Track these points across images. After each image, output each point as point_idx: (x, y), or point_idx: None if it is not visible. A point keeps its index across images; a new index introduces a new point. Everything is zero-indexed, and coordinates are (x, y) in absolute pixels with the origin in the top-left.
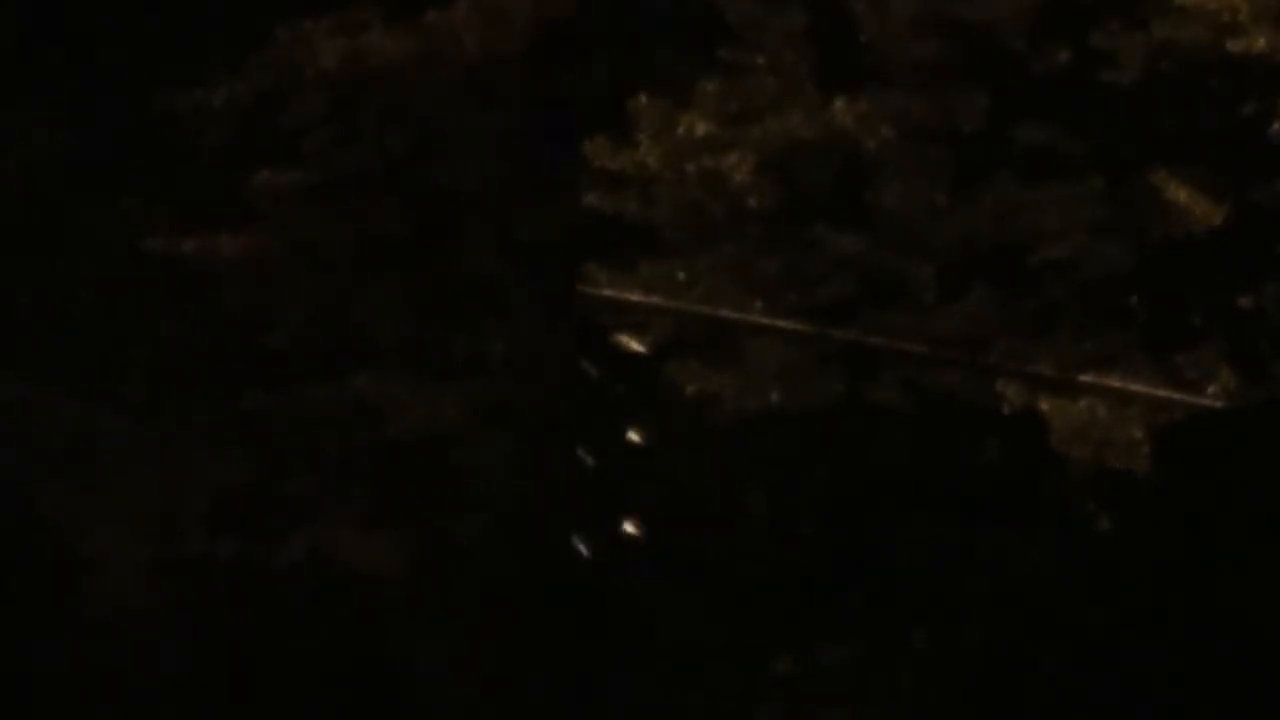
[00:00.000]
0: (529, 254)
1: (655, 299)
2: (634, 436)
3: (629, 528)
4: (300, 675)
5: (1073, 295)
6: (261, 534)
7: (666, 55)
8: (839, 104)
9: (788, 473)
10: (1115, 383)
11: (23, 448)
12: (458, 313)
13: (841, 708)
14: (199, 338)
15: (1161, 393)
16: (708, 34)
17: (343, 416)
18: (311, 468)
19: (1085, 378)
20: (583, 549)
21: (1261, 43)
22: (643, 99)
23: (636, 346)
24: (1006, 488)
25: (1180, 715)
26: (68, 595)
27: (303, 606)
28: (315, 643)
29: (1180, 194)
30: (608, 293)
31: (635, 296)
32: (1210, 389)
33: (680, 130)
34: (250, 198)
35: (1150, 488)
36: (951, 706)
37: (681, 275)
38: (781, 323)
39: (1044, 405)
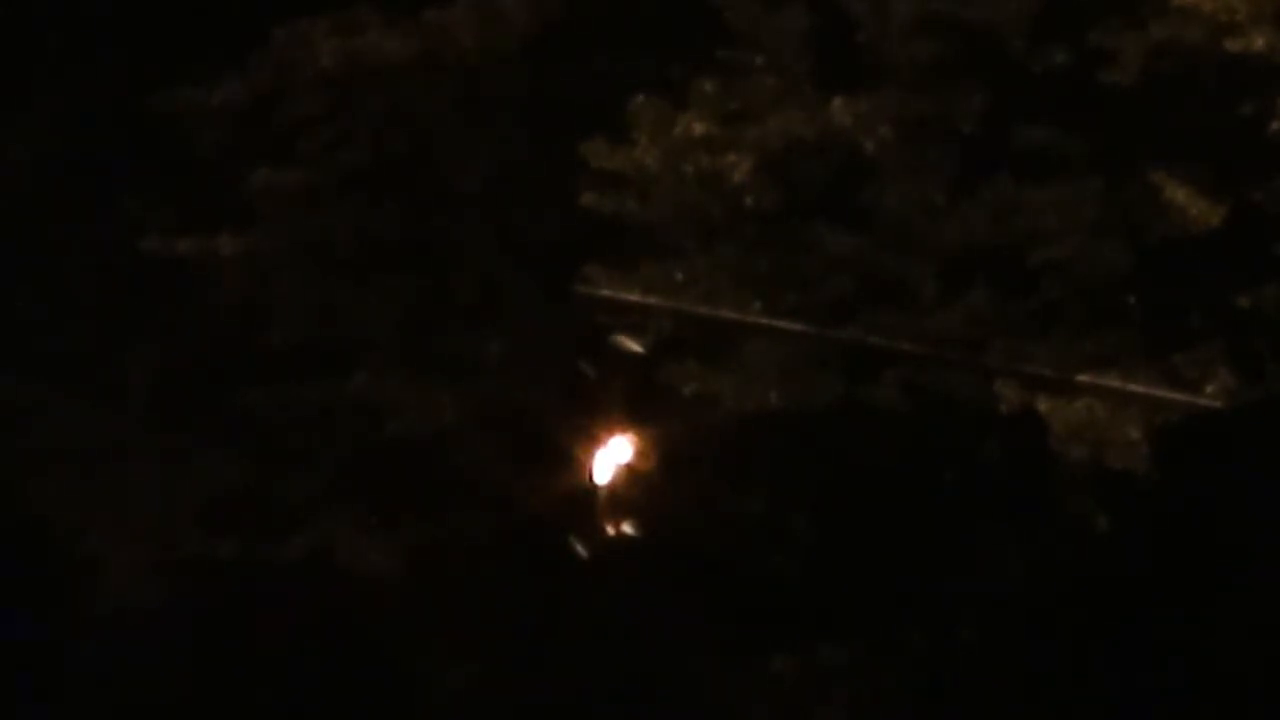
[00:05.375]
0: (528, 254)
1: (654, 299)
2: (633, 437)
3: (628, 528)
4: (301, 675)
5: (1071, 295)
6: (261, 534)
7: (664, 55)
8: (838, 104)
9: (786, 473)
10: (1114, 383)
11: (22, 448)
12: (458, 313)
13: (841, 708)
14: (198, 338)
15: (1160, 393)
16: (706, 34)
17: (342, 416)
18: (311, 468)
19: (1083, 378)
20: (581, 549)
21: (1260, 43)
22: (640, 99)
23: (635, 347)
24: (1005, 488)
25: (1180, 716)
26: (67, 595)
27: (303, 606)
28: (315, 643)
29: (1179, 194)
30: (606, 293)
31: (634, 296)
32: (1209, 389)
33: (678, 130)
34: (249, 198)
35: (1149, 487)
36: (951, 706)
37: (680, 275)
38: (781, 323)
39: (1042, 405)
